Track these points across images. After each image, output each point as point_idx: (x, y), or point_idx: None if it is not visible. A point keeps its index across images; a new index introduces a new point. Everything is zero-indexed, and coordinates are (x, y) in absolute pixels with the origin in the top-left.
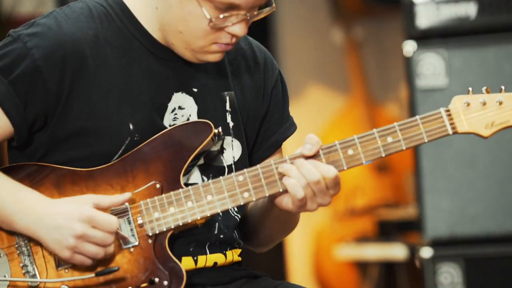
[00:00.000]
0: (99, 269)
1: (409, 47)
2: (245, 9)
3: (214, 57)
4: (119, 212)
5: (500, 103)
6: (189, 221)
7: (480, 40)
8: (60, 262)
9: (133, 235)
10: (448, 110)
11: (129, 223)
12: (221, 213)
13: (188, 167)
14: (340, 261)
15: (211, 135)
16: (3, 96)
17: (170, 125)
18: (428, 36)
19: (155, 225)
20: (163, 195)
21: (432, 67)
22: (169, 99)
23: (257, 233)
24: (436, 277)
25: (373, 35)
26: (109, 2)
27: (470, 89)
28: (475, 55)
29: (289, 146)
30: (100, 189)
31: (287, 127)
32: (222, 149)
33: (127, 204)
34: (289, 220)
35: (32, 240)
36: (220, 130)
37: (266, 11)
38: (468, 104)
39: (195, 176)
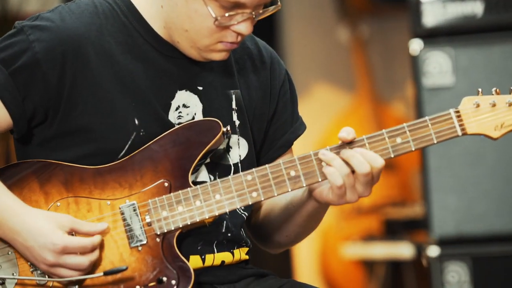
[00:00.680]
0: (107, 268)
1: (416, 45)
2: (251, 8)
3: (219, 56)
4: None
5: (510, 104)
6: (198, 220)
7: (486, 38)
8: None
9: (141, 234)
10: (457, 111)
11: (137, 222)
12: (228, 212)
13: (196, 166)
14: (347, 260)
15: (220, 133)
16: (2, 87)
17: (175, 123)
18: (435, 34)
19: (163, 224)
20: (172, 193)
21: (438, 65)
22: (172, 97)
23: (281, 232)
24: (443, 275)
25: (379, 33)
26: (115, 0)
27: (480, 90)
28: (481, 54)
29: (296, 145)
30: (108, 187)
31: (297, 127)
32: (228, 148)
33: (135, 202)
34: (317, 219)
35: None
36: (229, 128)
37: (271, 10)
38: (478, 105)
39: (203, 174)
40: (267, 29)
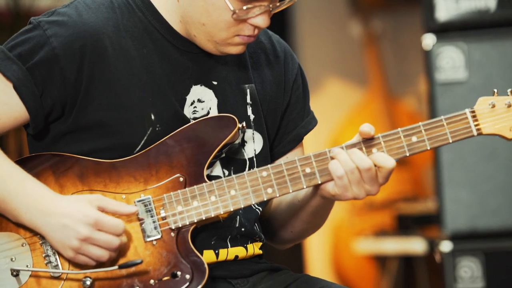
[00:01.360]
0: (122, 261)
1: (429, 40)
2: (268, 0)
3: (236, 49)
4: (143, 205)
5: None
6: (212, 215)
7: (499, 33)
8: None
9: (155, 228)
10: (473, 111)
11: (152, 216)
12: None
13: (211, 161)
14: (359, 255)
15: (236, 129)
16: (20, 82)
17: (190, 118)
18: (448, 29)
19: (178, 218)
20: (187, 188)
21: (451, 60)
22: (188, 92)
23: (286, 228)
24: (456, 271)
25: (391, 28)
26: None
27: (495, 90)
28: (494, 48)
29: (308, 140)
30: (123, 181)
31: (308, 121)
32: (243, 142)
33: (150, 196)
34: (322, 215)
35: None
36: (244, 124)
37: (287, 2)
38: (493, 106)
39: (217, 169)
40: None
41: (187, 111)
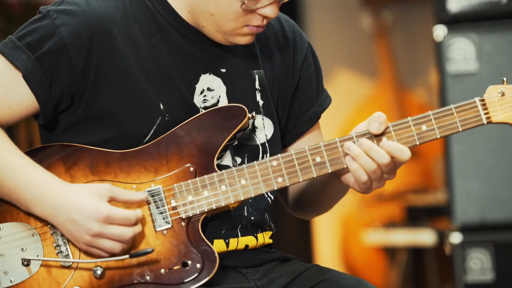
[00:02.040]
0: (132, 250)
1: (440, 31)
2: None
3: (245, 40)
4: (152, 195)
5: None
6: (223, 205)
7: (511, 24)
8: None
9: (166, 218)
10: (482, 100)
11: (162, 205)
12: (253, 196)
13: (221, 151)
14: (368, 247)
15: (246, 119)
16: (29, 71)
17: (200, 107)
18: (459, 20)
19: (188, 208)
20: (197, 178)
21: (462, 51)
22: (197, 81)
23: (307, 204)
24: (466, 262)
25: (401, 20)
26: None
27: (505, 79)
28: (506, 40)
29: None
30: (133, 171)
31: (323, 99)
32: (254, 128)
33: (160, 186)
34: (342, 195)
35: None
36: (254, 114)
37: None
38: (503, 94)
39: (227, 158)
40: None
41: (197, 100)
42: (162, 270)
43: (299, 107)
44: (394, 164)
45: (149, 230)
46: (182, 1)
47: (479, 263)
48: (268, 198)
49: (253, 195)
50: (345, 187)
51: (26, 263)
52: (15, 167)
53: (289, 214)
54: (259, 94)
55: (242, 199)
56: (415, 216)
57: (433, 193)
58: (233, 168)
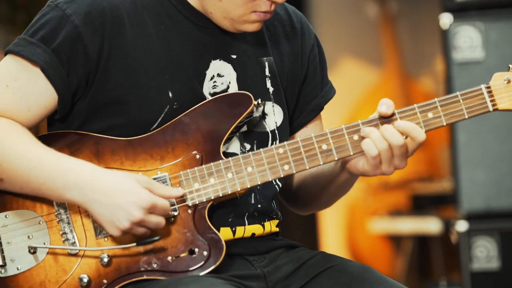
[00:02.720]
0: (139, 238)
1: (446, 19)
2: None
3: (252, 27)
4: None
5: None
6: (229, 192)
7: None
8: (99, 231)
9: (173, 205)
10: (488, 87)
11: None
12: (260, 184)
13: (227, 138)
14: (374, 235)
15: (251, 106)
16: (47, 65)
17: (210, 93)
18: (465, 8)
19: (195, 195)
20: (203, 165)
21: (468, 40)
22: (207, 67)
23: (313, 199)
24: (472, 250)
25: (407, 8)
26: None
27: (511, 66)
28: None
29: (324, 119)
30: (139, 158)
31: (327, 91)
32: (264, 115)
33: (166, 174)
34: (349, 186)
35: (71, 208)
36: (260, 101)
37: None
38: (509, 81)
39: (234, 145)
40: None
41: (207, 86)
42: (169, 258)
43: (304, 97)
44: (407, 149)
45: None
46: None
47: (485, 251)
48: (276, 186)
49: (259, 183)
50: (350, 180)
51: (33, 250)
52: (42, 158)
53: None
54: (269, 81)
55: (249, 186)
56: (421, 205)
57: (439, 182)
58: (240, 155)
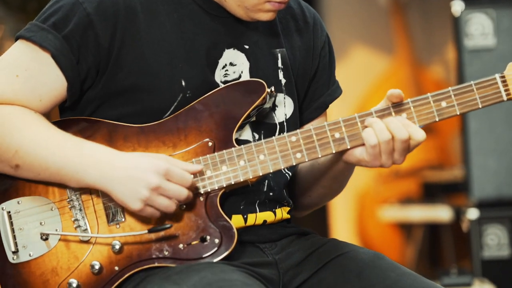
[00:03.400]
0: (151, 225)
1: (457, 6)
2: None
3: (266, 16)
4: None
5: None
6: (241, 180)
7: None
8: (111, 217)
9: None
10: (503, 76)
11: None
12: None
13: (240, 126)
14: (384, 223)
15: (264, 94)
16: (58, 51)
17: (221, 81)
18: None
19: (207, 183)
20: (216, 153)
21: (480, 27)
22: (220, 55)
23: (304, 192)
24: (482, 238)
25: None
26: None
27: None
28: None
29: (334, 108)
30: (151, 145)
31: (334, 90)
32: (274, 106)
33: None
34: (341, 181)
35: (84, 195)
36: (273, 89)
37: None
38: None
39: (247, 133)
40: None
41: (218, 74)
42: (181, 245)
43: (312, 94)
44: (408, 146)
45: None
46: None
47: (496, 239)
48: (286, 174)
49: (271, 171)
50: (345, 171)
51: (45, 237)
52: (61, 144)
53: None
54: (282, 72)
55: (261, 174)
56: (431, 193)
57: (450, 169)
58: (252, 143)
